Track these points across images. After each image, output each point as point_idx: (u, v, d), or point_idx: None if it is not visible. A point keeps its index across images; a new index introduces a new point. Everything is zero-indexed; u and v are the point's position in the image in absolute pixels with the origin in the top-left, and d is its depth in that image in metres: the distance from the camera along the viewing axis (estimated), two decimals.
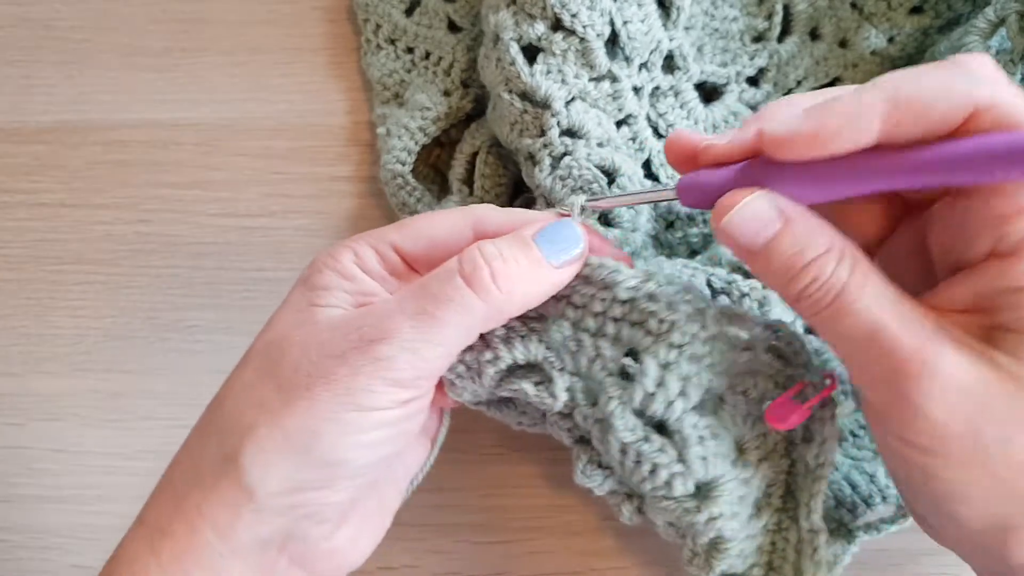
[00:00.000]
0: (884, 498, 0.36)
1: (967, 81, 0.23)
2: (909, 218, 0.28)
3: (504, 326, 0.31)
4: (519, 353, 0.30)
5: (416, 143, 0.42)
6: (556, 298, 0.30)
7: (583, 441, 0.32)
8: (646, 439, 0.29)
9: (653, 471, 0.29)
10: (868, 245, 0.29)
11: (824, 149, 0.23)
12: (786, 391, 0.30)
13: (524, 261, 0.28)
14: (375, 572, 0.38)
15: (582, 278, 0.30)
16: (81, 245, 0.45)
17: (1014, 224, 0.23)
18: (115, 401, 0.42)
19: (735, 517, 0.31)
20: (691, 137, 0.28)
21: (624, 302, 0.29)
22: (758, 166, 0.25)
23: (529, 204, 0.41)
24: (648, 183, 0.38)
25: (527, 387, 0.31)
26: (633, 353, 0.30)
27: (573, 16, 0.35)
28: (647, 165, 0.39)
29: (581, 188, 0.34)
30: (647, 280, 0.29)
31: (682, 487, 0.29)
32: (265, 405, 0.26)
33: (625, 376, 0.30)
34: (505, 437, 0.40)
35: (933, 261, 0.27)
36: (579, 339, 0.30)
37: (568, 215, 0.31)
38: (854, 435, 0.37)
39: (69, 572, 0.39)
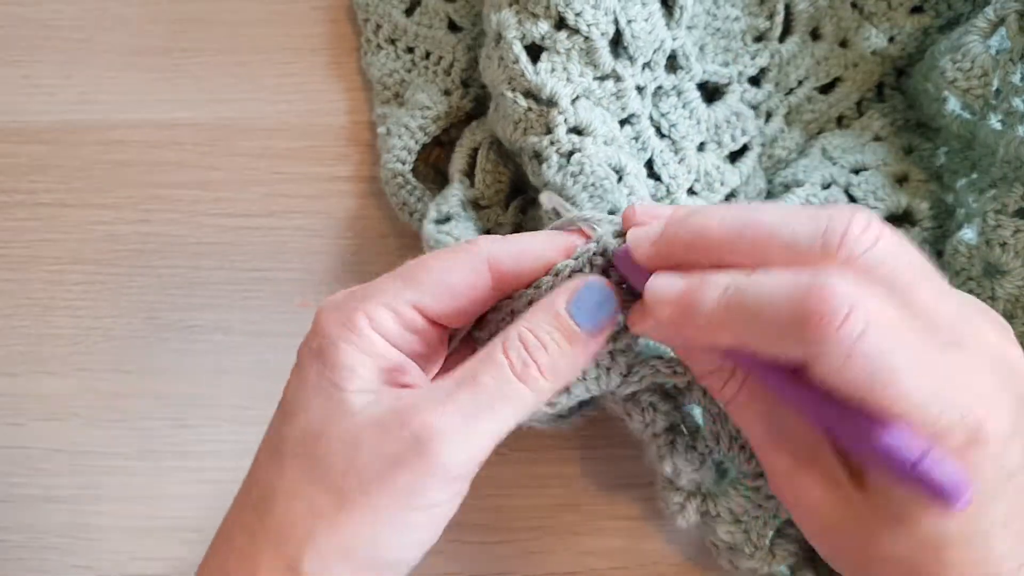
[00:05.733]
0: None
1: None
2: None
3: None
4: None
5: (416, 142, 0.42)
6: None
7: (673, 429, 0.34)
8: None
9: None
10: None
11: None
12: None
13: (566, 344, 0.28)
14: None
15: None
16: (81, 245, 0.44)
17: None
18: (115, 401, 0.42)
19: None
20: (649, 212, 0.29)
21: None
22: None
23: (527, 205, 0.41)
24: (651, 183, 0.38)
25: (659, 365, 0.31)
26: None
27: (577, 15, 0.35)
28: (649, 164, 0.39)
29: (592, 184, 0.34)
30: None
31: None
32: (318, 511, 0.26)
33: None
34: (505, 437, 0.40)
35: None
36: None
37: (573, 229, 0.31)
38: None
39: (69, 572, 0.39)
